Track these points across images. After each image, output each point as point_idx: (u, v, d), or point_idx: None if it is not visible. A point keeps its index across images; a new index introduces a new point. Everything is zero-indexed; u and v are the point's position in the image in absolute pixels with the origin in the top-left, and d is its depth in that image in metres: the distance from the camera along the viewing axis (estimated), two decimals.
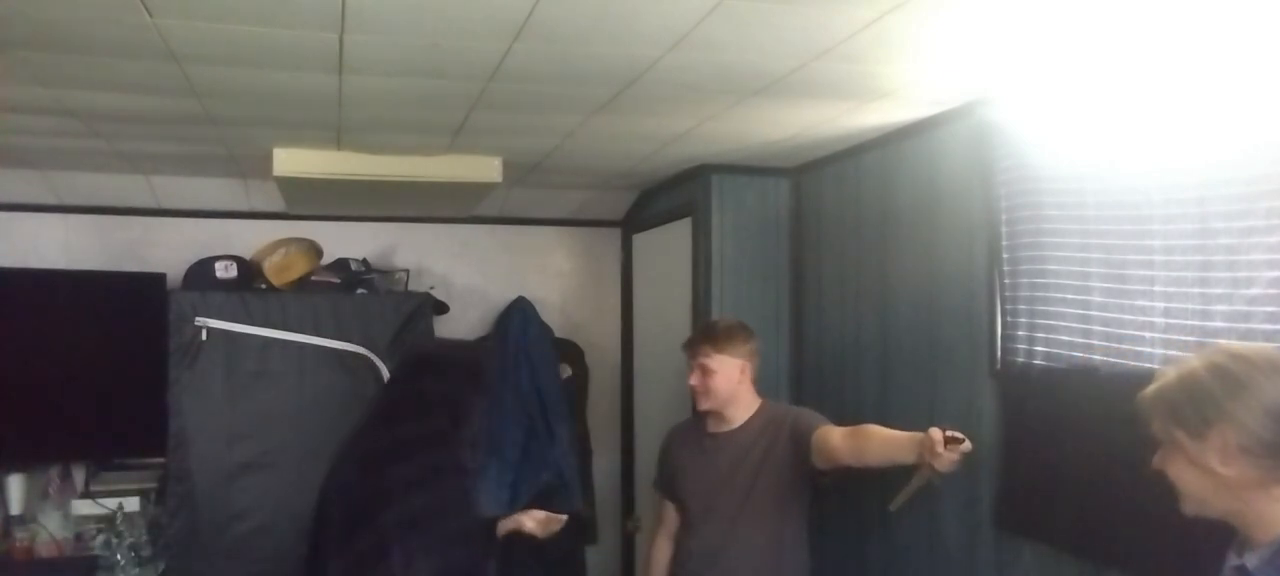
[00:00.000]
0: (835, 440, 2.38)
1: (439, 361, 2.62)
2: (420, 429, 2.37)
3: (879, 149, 2.77)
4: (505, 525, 2.65)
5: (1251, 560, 1.28)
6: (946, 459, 1.97)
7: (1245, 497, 1.28)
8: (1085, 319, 2.01)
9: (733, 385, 2.60)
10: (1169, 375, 1.35)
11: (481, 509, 2.57)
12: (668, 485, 2.84)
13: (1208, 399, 1.27)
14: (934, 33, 1.79)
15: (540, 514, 2.65)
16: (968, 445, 1.98)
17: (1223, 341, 1.57)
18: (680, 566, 2.73)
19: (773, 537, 2.57)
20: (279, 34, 1.78)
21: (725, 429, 2.66)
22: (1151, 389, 1.37)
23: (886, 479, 2.38)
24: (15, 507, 3.30)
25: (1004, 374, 2.28)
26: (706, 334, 2.68)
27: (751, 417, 2.65)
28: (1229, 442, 1.25)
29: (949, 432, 1.98)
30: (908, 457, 2.10)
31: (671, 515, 2.82)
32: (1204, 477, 1.30)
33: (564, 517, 2.65)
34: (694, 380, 2.64)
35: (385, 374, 3.22)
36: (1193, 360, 1.34)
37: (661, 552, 2.83)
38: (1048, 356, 2.13)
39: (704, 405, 2.65)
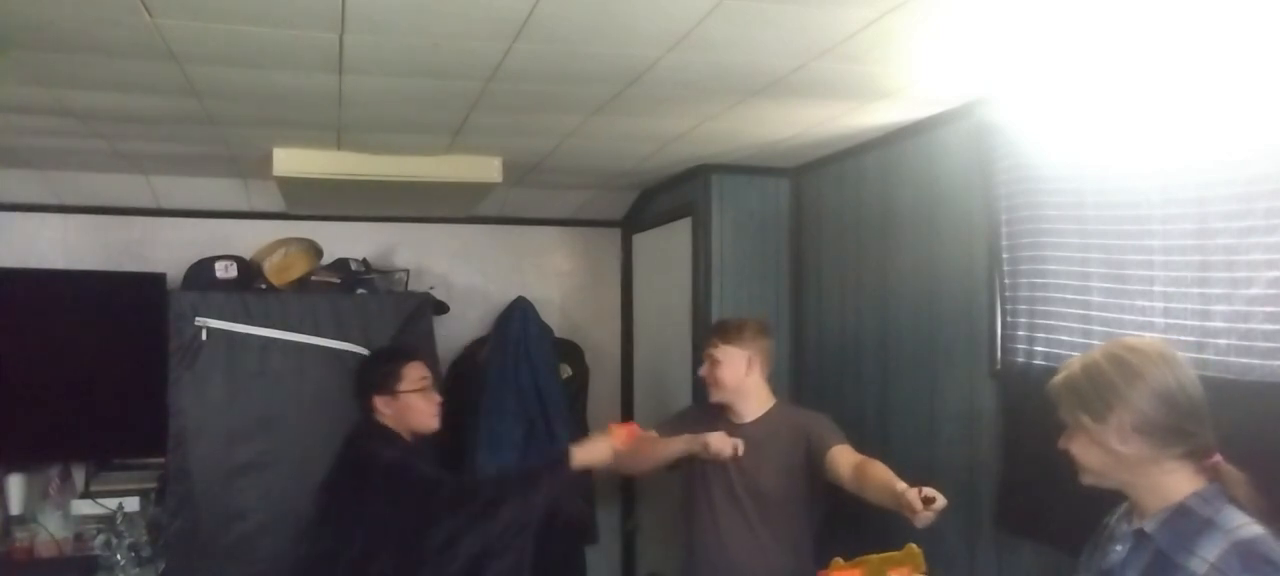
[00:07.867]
0: (845, 469, 2.37)
1: None
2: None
3: (879, 149, 2.77)
4: None
5: (1149, 525, 1.43)
6: (924, 517, 1.99)
7: (1139, 471, 1.43)
8: (1085, 319, 2.01)
9: (738, 377, 2.61)
10: (1074, 365, 1.50)
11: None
12: (678, 428, 2.73)
13: (1108, 386, 1.43)
14: (934, 33, 1.79)
15: None
16: (942, 502, 1.99)
17: (1125, 335, 1.78)
18: (684, 554, 2.73)
19: (779, 536, 2.57)
20: (279, 34, 1.78)
21: (737, 422, 2.65)
22: (1059, 378, 1.51)
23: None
24: (15, 507, 3.30)
25: (1004, 374, 2.28)
26: (715, 327, 2.75)
27: (764, 415, 2.64)
28: (1125, 424, 1.41)
29: (924, 493, 2.00)
30: (891, 505, 2.11)
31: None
32: (1104, 455, 1.45)
33: None
34: (703, 371, 2.68)
35: None
36: (1095, 353, 1.49)
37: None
38: (1048, 356, 2.13)
39: (713, 397, 2.67)
